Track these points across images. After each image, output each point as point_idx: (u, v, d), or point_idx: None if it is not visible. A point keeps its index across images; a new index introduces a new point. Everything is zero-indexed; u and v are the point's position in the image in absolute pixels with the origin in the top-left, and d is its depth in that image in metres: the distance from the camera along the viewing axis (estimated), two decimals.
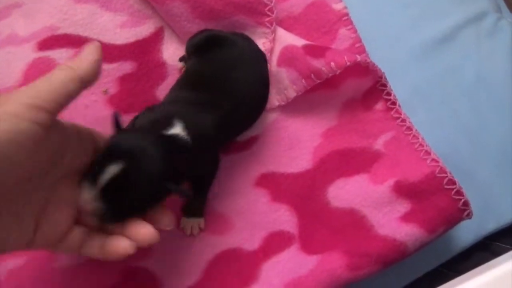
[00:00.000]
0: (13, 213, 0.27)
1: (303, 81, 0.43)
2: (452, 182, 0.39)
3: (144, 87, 0.45)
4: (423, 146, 0.42)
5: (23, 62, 0.44)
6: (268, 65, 0.43)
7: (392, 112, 0.44)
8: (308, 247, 0.41)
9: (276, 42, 0.45)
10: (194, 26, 0.44)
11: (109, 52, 0.45)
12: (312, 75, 0.42)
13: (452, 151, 0.46)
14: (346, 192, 0.42)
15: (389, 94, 0.44)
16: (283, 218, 0.42)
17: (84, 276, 0.39)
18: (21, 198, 0.27)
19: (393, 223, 0.40)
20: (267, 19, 0.44)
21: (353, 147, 0.44)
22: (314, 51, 0.42)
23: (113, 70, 0.45)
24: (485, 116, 0.48)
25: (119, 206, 0.29)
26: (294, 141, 0.44)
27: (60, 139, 0.28)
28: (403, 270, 0.43)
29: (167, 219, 0.32)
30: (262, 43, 0.44)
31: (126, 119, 0.43)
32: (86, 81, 0.28)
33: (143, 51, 0.46)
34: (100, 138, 0.33)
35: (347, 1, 0.48)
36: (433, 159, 0.41)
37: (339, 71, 0.41)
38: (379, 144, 0.44)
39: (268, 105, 0.44)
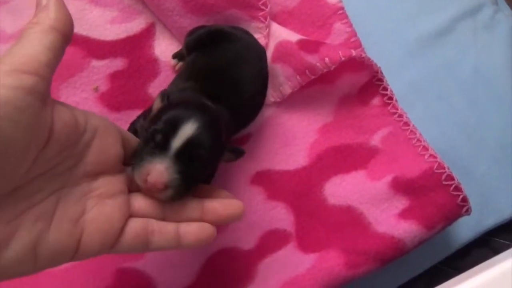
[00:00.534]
0: (39, 217, 0.23)
1: (298, 77, 0.42)
2: (450, 177, 0.39)
3: (136, 84, 0.44)
4: (420, 141, 0.42)
5: None
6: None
7: (388, 107, 0.44)
8: (305, 245, 0.41)
9: (270, 37, 0.44)
10: (187, 21, 0.43)
11: (100, 49, 0.44)
12: (306, 71, 0.41)
13: (449, 146, 0.46)
14: (343, 189, 0.42)
15: (385, 89, 0.44)
16: (279, 216, 0.42)
17: (76, 278, 0.38)
18: (47, 199, 0.24)
19: (391, 220, 0.40)
20: (261, 13, 0.43)
21: (350, 143, 0.43)
22: (308, 46, 0.42)
23: (104, 67, 0.44)
24: (482, 110, 0.48)
25: (194, 171, 0.28)
26: (289, 137, 0.44)
27: (71, 123, 0.24)
28: (401, 267, 0.43)
29: (224, 192, 0.31)
30: (257, 39, 0.43)
31: (117, 116, 0.43)
32: (59, 29, 0.24)
33: (134, 47, 0.45)
34: (121, 129, 0.30)
35: None
36: (431, 155, 0.40)
37: (333, 66, 0.40)
38: (376, 140, 0.43)
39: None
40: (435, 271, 0.44)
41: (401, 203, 0.40)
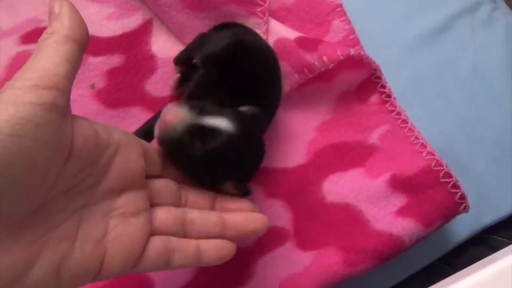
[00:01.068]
0: (63, 236, 0.23)
1: (296, 75, 0.42)
2: (448, 175, 0.39)
3: (132, 81, 0.44)
4: (418, 139, 0.42)
5: (5, 56, 0.43)
6: None
7: (387, 105, 0.44)
8: (303, 243, 0.40)
9: (269, 34, 0.44)
10: (184, 17, 0.42)
11: (96, 45, 0.43)
12: (305, 69, 0.41)
13: (448, 144, 0.46)
14: (341, 187, 0.42)
15: (383, 86, 0.44)
16: (278, 214, 0.41)
17: None
18: (70, 219, 0.23)
19: (389, 218, 0.40)
20: (259, 9, 0.43)
21: (348, 141, 0.43)
22: (307, 44, 0.41)
23: (100, 64, 0.43)
24: (481, 108, 0.48)
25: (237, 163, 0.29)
26: (287, 136, 0.44)
27: (93, 138, 0.24)
28: (399, 265, 0.43)
29: (246, 203, 0.31)
30: None
31: (114, 113, 0.43)
32: (75, 38, 0.24)
33: (131, 43, 0.44)
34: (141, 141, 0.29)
35: None
36: (429, 152, 0.40)
37: (332, 65, 0.40)
38: (374, 137, 0.43)
39: None
40: (433, 269, 0.44)
41: (399, 200, 0.40)
